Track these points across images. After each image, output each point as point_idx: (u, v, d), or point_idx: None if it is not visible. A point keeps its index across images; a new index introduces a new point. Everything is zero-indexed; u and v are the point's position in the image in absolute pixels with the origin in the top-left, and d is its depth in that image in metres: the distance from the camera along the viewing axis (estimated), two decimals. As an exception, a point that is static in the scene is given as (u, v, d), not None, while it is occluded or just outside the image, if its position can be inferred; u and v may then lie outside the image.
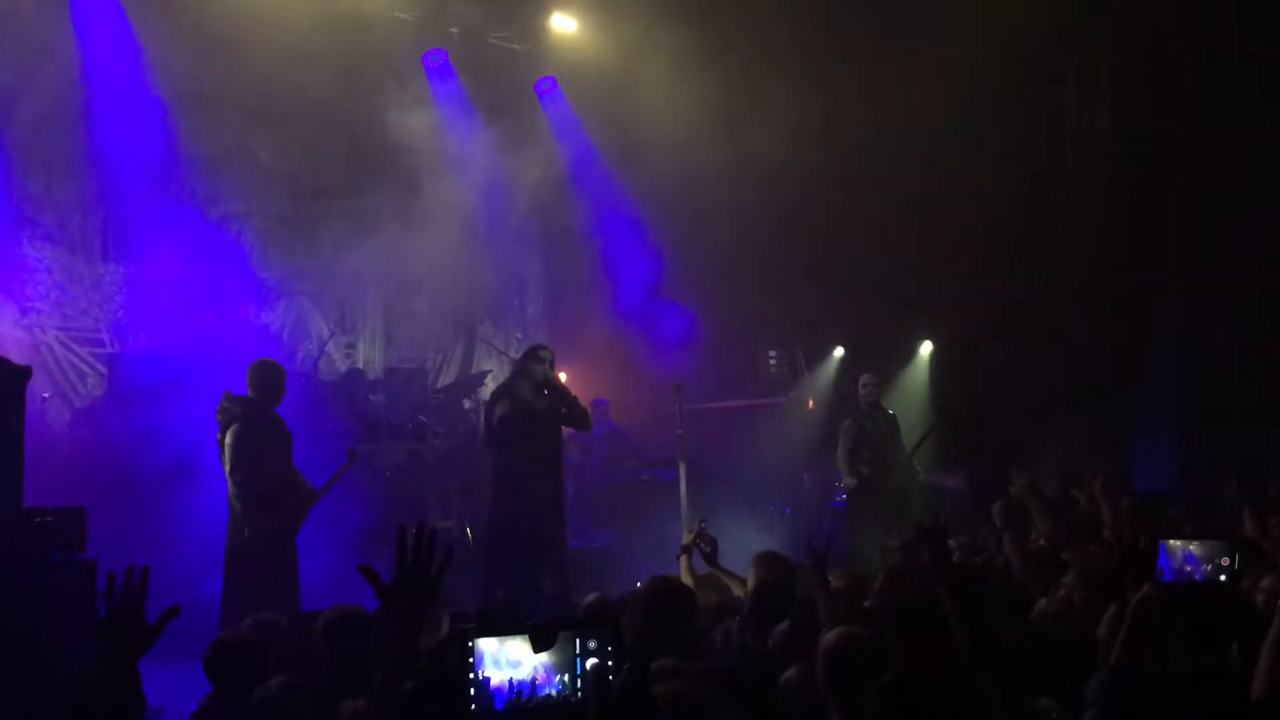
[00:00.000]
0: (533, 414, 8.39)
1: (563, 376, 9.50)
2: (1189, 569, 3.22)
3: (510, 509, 8.34)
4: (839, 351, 13.85)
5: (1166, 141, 11.84)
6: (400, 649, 2.67)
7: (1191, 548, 3.23)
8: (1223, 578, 3.21)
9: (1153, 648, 3.16)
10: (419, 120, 11.65)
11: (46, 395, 9.38)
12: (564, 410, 8.57)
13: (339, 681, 3.95)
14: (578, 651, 2.33)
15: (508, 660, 2.31)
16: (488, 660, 2.31)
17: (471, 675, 2.29)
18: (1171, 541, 3.26)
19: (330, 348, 12.23)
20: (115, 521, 7.85)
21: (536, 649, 2.32)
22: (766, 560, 5.68)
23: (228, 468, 7.63)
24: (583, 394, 9.48)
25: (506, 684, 2.31)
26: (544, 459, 8.48)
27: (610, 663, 2.33)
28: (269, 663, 4.21)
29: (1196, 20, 11.23)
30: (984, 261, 12.44)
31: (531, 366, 8.53)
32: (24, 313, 10.35)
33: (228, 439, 7.62)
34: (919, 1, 11.62)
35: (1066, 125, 12.99)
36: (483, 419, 9.31)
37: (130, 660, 2.72)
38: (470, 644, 2.31)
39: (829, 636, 3.66)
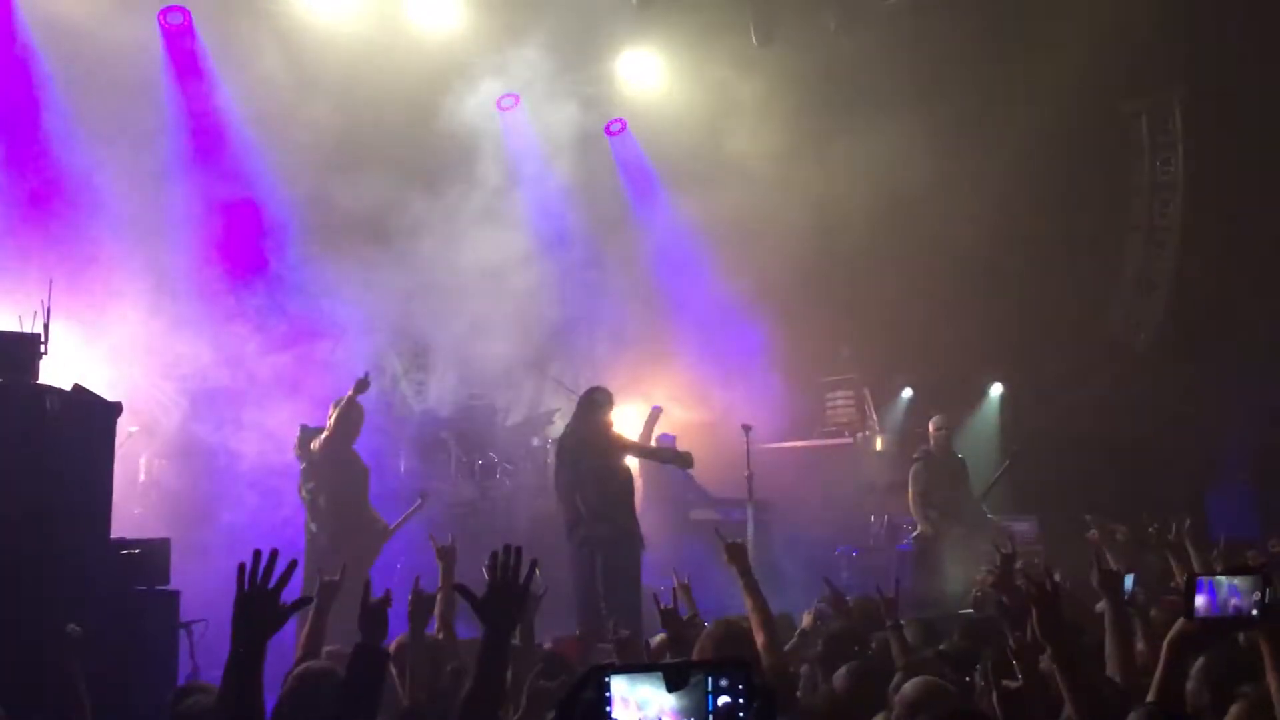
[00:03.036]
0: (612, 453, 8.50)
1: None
2: (1234, 601, 3.23)
3: (587, 548, 8.34)
4: (907, 392, 13.78)
5: (1241, 185, 11.71)
6: (490, 658, 2.98)
7: (1235, 582, 3.24)
8: (1254, 611, 3.22)
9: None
10: (493, 162, 11.88)
11: (133, 429, 9.63)
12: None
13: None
14: (709, 689, 2.31)
15: (636, 701, 2.28)
16: (617, 701, 2.28)
17: (605, 712, 2.28)
18: (1218, 576, 3.28)
19: (403, 385, 12.42)
20: (192, 552, 8.06)
21: (670, 688, 2.29)
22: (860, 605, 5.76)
23: (306, 498, 7.83)
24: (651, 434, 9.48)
25: None
26: (622, 496, 8.53)
27: (741, 700, 2.32)
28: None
29: (1272, 61, 11.12)
30: (1056, 305, 12.33)
31: (605, 408, 8.58)
32: (112, 349, 10.65)
33: (305, 470, 7.83)
34: (993, 47, 11.64)
35: (1142, 170, 12.87)
36: (569, 459, 8.82)
37: (262, 639, 2.91)
38: (606, 680, 2.29)
39: (910, 686, 3.69)
